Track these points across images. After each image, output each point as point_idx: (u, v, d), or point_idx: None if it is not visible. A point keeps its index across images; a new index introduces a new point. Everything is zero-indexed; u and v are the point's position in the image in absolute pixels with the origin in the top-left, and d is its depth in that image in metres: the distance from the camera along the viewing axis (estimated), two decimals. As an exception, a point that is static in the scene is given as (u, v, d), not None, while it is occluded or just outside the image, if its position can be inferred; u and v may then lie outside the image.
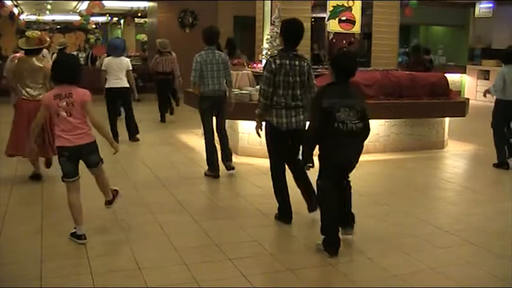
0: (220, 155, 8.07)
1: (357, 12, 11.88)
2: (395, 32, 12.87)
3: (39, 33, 7.67)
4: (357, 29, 12.03)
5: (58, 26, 31.16)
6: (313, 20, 12.29)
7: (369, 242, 5.37)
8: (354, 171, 7.70)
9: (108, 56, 10.61)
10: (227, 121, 9.38)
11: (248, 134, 9.08)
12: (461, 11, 20.35)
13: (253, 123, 8.58)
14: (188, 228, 5.74)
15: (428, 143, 10.10)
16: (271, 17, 11.30)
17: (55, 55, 13.12)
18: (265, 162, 8.54)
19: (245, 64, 11.98)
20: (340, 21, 11.77)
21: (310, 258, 5.00)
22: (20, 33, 22.23)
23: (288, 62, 5.63)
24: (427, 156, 9.64)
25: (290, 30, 5.76)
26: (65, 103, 5.11)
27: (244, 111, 8.75)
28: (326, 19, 11.90)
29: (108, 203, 5.73)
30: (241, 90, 9.13)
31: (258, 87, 9.12)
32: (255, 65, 11.54)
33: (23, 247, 5.15)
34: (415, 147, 9.90)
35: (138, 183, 7.51)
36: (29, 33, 7.51)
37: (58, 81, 5.23)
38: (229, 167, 8.06)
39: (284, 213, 5.93)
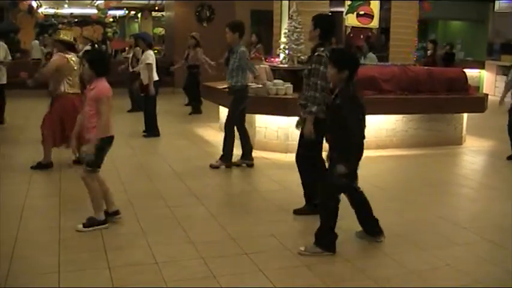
0: (241, 151, 8.19)
1: (375, 6, 11.79)
2: (413, 26, 12.75)
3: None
4: (375, 23, 11.93)
5: (76, 20, 31.27)
6: (330, 14, 12.20)
7: (386, 238, 5.34)
8: (373, 166, 7.71)
9: (147, 49, 10.54)
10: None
11: (265, 128, 9.07)
12: (480, 5, 20.13)
13: (270, 117, 8.67)
14: (205, 222, 5.75)
15: (446, 138, 10.03)
16: (289, 11, 11.24)
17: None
18: (282, 157, 8.57)
19: (262, 58, 11.96)
20: (358, 15, 11.69)
21: (328, 254, 4.98)
22: (38, 27, 22.37)
23: None
24: (445, 152, 9.58)
25: (330, 25, 5.82)
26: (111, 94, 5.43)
27: (261, 105, 8.77)
28: (344, 13, 11.83)
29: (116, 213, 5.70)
30: (258, 84, 9.11)
31: (275, 81, 9.13)
32: (272, 59, 11.50)
33: (41, 240, 5.19)
34: (432, 143, 9.84)
35: (155, 176, 7.54)
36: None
37: (105, 74, 5.39)
38: (251, 165, 8.16)
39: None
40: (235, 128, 8.05)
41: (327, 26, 5.78)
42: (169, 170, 7.91)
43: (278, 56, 11.30)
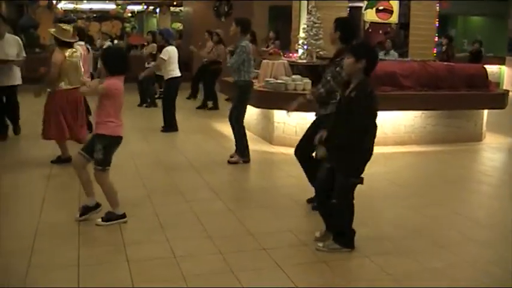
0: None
1: (394, 1, 11.74)
2: (432, 22, 12.70)
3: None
4: (394, 19, 11.90)
5: (94, 15, 31.42)
6: (349, 8, 12.17)
7: (404, 234, 5.33)
8: (392, 162, 7.64)
9: (167, 45, 10.51)
10: (261, 110, 9.43)
11: (283, 123, 9.06)
12: (500, 1, 19.95)
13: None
14: (223, 217, 5.76)
15: (466, 135, 9.95)
16: (307, 6, 11.23)
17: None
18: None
19: (281, 53, 11.96)
20: (377, 10, 11.65)
21: (346, 250, 4.97)
22: (57, 22, 22.43)
23: None
24: (464, 148, 9.52)
25: (351, 27, 5.92)
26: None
27: (280, 101, 8.75)
28: (363, 9, 11.80)
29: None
30: (276, 79, 9.12)
31: (294, 76, 9.12)
32: (290, 55, 11.49)
33: (60, 233, 5.22)
34: (451, 140, 9.76)
35: (173, 171, 7.56)
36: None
37: (120, 73, 5.36)
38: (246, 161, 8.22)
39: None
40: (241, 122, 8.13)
41: (347, 28, 5.75)
42: (188, 165, 7.93)
43: (296, 51, 11.30)
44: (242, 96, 7.96)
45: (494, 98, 10.05)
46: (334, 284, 4.33)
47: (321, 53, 10.24)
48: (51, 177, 7.14)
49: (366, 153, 4.81)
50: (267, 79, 9.26)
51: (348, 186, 4.83)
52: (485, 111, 10.16)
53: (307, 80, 8.96)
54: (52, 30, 7.80)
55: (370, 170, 7.34)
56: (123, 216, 5.48)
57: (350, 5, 12.51)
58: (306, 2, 11.56)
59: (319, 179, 5.03)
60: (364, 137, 4.70)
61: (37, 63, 14.31)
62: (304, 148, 6.06)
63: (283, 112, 8.90)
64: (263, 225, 5.54)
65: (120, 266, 4.51)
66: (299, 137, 8.93)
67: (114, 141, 5.38)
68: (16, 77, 9.43)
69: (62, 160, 7.72)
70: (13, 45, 9.29)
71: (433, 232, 5.48)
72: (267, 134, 9.40)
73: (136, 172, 7.44)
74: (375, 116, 4.74)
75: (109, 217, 5.43)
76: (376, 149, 8.77)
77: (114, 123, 5.33)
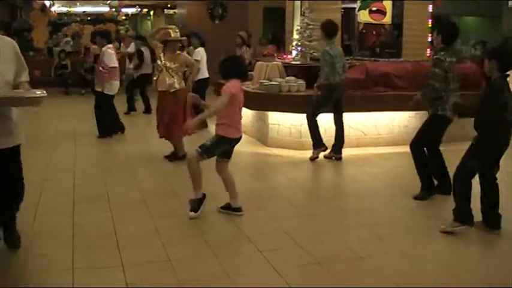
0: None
1: (387, 2, 11.73)
2: (426, 22, 12.69)
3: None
4: (387, 19, 11.87)
5: (89, 18, 31.41)
6: (342, 10, 12.16)
7: (402, 236, 5.33)
8: (387, 163, 7.65)
9: (199, 47, 10.72)
10: (256, 112, 9.41)
11: (278, 125, 9.04)
12: (494, 1, 19.96)
13: (283, 115, 8.67)
14: (219, 220, 5.75)
15: (461, 135, 9.84)
16: (301, 7, 11.22)
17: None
18: (295, 154, 8.55)
19: (275, 55, 11.95)
20: (370, 11, 11.64)
21: (341, 252, 4.96)
22: (51, 25, 22.41)
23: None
24: (459, 148, 9.05)
25: (453, 29, 6.36)
26: (242, 96, 5.72)
27: (273, 102, 8.76)
28: (356, 9, 11.78)
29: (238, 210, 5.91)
30: (270, 81, 9.11)
31: (288, 78, 9.12)
32: (284, 56, 11.48)
33: (55, 238, 5.19)
34: (446, 139, 9.68)
35: (170, 174, 7.55)
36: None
37: (236, 77, 5.66)
38: (338, 158, 8.35)
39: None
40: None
41: (448, 30, 6.28)
42: (183, 167, 7.88)
43: (290, 52, 11.28)
44: (322, 95, 8.18)
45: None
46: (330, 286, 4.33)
47: (314, 54, 10.20)
48: (46, 181, 7.09)
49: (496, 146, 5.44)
50: (261, 81, 9.25)
51: (467, 172, 5.46)
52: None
53: (301, 82, 8.96)
54: (171, 33, 8.06)
55: (364, 171, 7.39)
56: (238, 209, 5.86)
57: (344, 6, 12.51)
58: (299, 3, 11.55)
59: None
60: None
61: (31, 67, 14.19)
62: (418, 143, 6.76)
63: (278, 114, 8.93)
64: (259, 228, 5.53)
65: (115, 270, 4.49)
66: (293, 138, 8.98)
67: (227, 141, 5.67)
68: (16, 132, 4.75)
69: (179, 157, 8.09)
70: (8, 59, 4.47)
71: (432, 233, 5.47)
72: (262, 136, 9.38)
73: (131, 174, 7.41)
74: (505, 109, 5.20)
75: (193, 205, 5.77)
76: (370, 150, 8.81)
77: (226, 125, 5.58)
